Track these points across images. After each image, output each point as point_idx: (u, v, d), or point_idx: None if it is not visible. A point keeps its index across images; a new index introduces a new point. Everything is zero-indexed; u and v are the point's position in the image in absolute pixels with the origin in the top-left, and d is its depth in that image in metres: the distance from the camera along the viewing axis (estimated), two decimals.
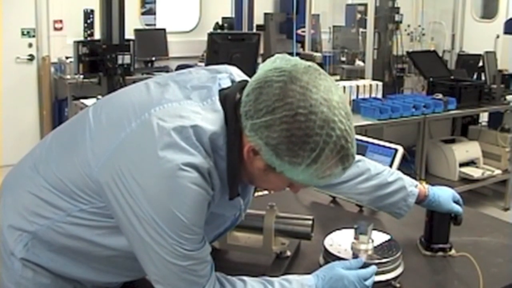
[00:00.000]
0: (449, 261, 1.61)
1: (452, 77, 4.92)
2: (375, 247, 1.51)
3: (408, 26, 6.82)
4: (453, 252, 1.63)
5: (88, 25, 5.33)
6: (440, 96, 4.42)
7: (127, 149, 1.13)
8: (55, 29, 5.74)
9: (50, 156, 1.27)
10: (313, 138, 1.06)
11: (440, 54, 6.11)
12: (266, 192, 1.53)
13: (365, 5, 5.81)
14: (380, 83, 4.47)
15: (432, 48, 6.47)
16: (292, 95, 1.07)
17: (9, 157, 3.76)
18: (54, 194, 1.21)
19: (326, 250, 1.52)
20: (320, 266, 1.45)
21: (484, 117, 5.30)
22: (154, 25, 6.74)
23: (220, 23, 6.75)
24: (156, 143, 1.09)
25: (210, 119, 1.14)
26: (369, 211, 1.96)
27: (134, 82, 1.42)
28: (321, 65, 4.42)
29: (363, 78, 4.99)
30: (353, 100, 4.21)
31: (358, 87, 4.30)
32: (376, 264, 1.42)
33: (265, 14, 6.97)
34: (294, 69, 1.11)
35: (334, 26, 7.31)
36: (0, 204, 1.30)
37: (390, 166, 1.91)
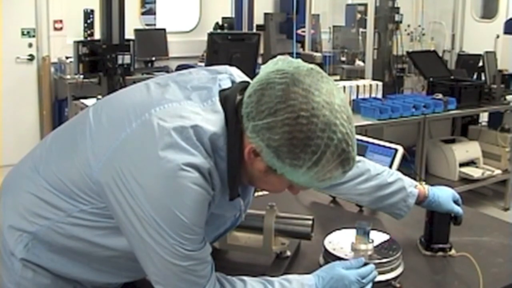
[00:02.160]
0: (449, 261, 1.61)
1: (452, 77, 4.92)
2: (375, 247, 1.52)
3: (408, 26, 6.81)
4: (453, 252, 1.63)
5: (88, 25, 5.33)
6: (440, 96, 4.42)
7: (127, 149, 1.13)
8: (55, 29, 5.74)
9: (50, 156, 1.27)
10: (314, 141, 1.07)
11: (440, 54, 6.11)
12: (266, 192, 1.53)
13: (365, 5, 5.80)
14: (380, 83, 4.47)
15: (432, 48, 6.46)
16: (294, 98, 1.07)
17: (9, 157, 3.77)
18: (54, 195, 1.21)
19: (326, 250, 1.52)
20: (320, 266, 1.45)
21: (484, 117, 5.29)
22: (154, 25, 6.74)
23: (220, 23, 6.75)
24: (156, 143, 1.09)
25: (211, 120, 1.14)
26: (369, 211, 1.96)
27: (134, 82, 1.42)
28: (321, 65, 4.44)
29: (363, 78, 4.98)
30: (353, 100, 4.21)
31: (358, 87, 4.30)
32: (376, 264, 1.42)
33: (265, 14, 6.96)
34: (297, 71, 1.11)
35: (334, 26, 7.30)
36: (0, 204, 1.30)
37: (390, 166, 1.91)
